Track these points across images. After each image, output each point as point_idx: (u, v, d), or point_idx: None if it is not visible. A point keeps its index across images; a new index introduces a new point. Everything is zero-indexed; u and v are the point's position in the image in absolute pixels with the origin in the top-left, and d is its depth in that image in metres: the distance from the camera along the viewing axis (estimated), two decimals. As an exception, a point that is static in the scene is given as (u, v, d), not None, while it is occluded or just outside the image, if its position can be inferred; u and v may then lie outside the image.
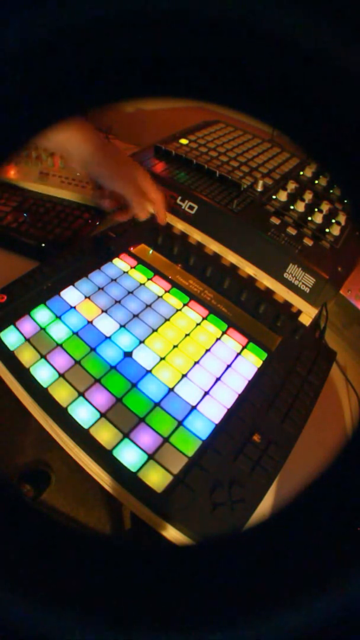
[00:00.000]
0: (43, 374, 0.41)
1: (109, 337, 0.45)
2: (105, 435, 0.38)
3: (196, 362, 0.45)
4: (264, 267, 0.54)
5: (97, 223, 0.65)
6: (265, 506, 0.37)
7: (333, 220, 0.59)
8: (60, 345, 0.43)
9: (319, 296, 0.51)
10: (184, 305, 0.51)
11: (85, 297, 0.49)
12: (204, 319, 0.50)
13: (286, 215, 0.58)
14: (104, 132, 0.89)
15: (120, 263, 0.55)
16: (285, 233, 0.54)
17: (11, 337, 0.43)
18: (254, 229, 0.55)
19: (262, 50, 0.13)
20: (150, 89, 0.15)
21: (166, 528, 0.34)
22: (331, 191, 0.66)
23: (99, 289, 0.51)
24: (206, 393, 0.43)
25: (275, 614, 0.12)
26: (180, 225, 0.58)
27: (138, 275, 0.53)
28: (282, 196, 0.60)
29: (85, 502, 0.79)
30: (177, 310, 0.50)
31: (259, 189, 0.61)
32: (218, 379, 0.44)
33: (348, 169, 0.14)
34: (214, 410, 0.41)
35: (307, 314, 0.52)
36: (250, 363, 0.47)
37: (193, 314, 0.50)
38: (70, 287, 0.50)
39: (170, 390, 0.42)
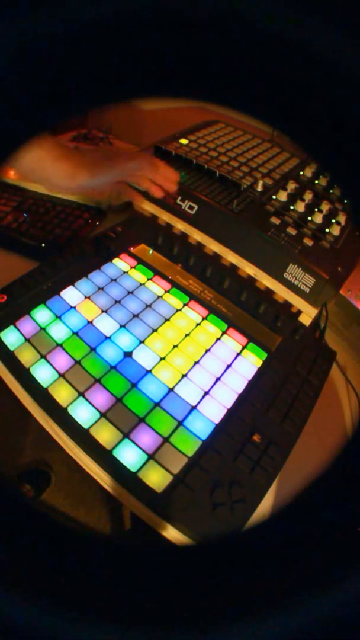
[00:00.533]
0: (43, 374, 0.41)
1: (109, 337, 0.45)
2: (105, 435, 0.38)
3: (196, 362, 0.45)
4: (264, 267, 0.54)
5: (97, 223, 0.65)
6: (265, 506, 0.37)
7: (333, 220, 0.59)
8: (60, 345, 0.43)
9: (319, 296, 0.51)
10: (184, 305, 0.51)
11: (85, 297, 0.49)
12: (204, 319, 0.50)
13: (286, 215, 0.58)
14: (104, 132, 0.89)
15: (120, 263, 0.55)
16: (285, 233, 0.54)
17: (11, 337, 0.43)
18: (254, 229, 0.55)
19: (262, 50, 0.13)
20: (150, 89, 0.15)
21: (166, 528, 0.34)
22: (331, 191, 0.66)
23: (99, 289, 0.51)
24: (206, 393, 0.43)
25: (275, 614, 0.12)
26: (180, 225, 0.58)
27: (138, 275, 0.53)
28: (282, 196, 0.60)
29: (85, 502, 0.79)
30: (177, 310, 0.50)
31: (259, 189, 0.61)
32: (218, 379, 0.44)
33: (348, 169, 0.14)
34: (214, 410, 0.41)
35: (307, 314, 0.52)
36: (250, 363, 0.46)
37: (193, 314, 0.50)
38: (70, 287, 0.50)
39: (170, 390, 0.42)
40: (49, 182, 0.46)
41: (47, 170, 0.45)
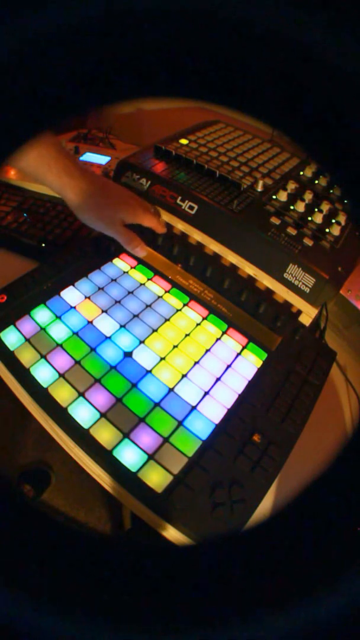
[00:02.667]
0: (43, 374, 0.41)
1: (109, 337, 0.45)
2: (105, 435, 0.38)
3: (196, 362, 0.45)
4: (264, 267, 0.54)
5: (97, 223, 0.65)
6: (265, 506, 0.37)
7: (333, 220, 0.59)
8: (60, 345, 0.43)
9: (319, 296, 0.51)
10: (184, 305, 0.51)
11: (85, 297, 0.49)
12: (204, 319, 0.50)
13: (286, 215, 0.58)
14: (104, 132, 0.89)
15: (120, 263, 0.55)
16: (285, 233, 0.54)
17: (11, 337, 0.44)
18: (254, 229, 0.55)
19: (263, 49, 0.13)
20: (150, 89, 0.15)
21: (166, 528, 0.34)
22: (331, 191, 0.66)
23: (99, 289, 0.51)
24: (206, 393, 0.43)
25: (275, 614, 0.12)
26: (180, 225, 0.58)
27: (138, 275, 0.53)
28: (282, 196, 0.60)
29: (85, 502, 0.79)
30: (177, 311, 0.50)
31: (259, 189, 0.61)
32: (218, 379, 0.44)
33: (348, 169, 0.14)
34: (214, 410, 0.41)
35: (307, 314, 0.52)
36: (250, 363, 0.47)
37: (193, 314, 0.50)
38: (70, 287, 0.50)
39: (170, 390, 0.42)
40: (43, 178, 0.48)
41: (48, 184, 0.48)
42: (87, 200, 0.48)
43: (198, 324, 0.49)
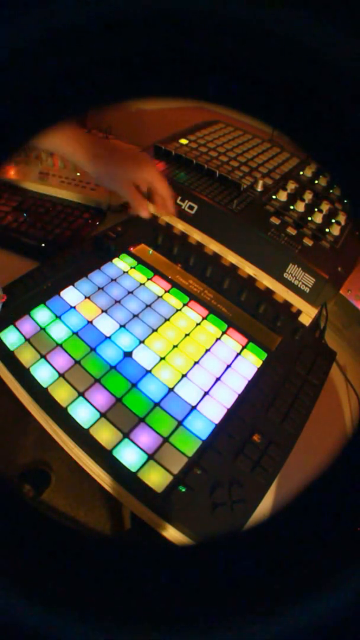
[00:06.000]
0: (43, 374, 0.41)
1: (109, 337, 0.45)
2: (105, 435, 0.38)
3: (196, 362, 0.45)
4: (264, 267, 0.54)
5: (97, 223, 0.65)
6: (265, 506, 0.37)
7: (333, 220, 0.59)
8: (60, 345, 0.43)
9: (319, 296, 0.51)
10: (184, 305, 0.51)
11: (85, 297, 0.49)
12: (203, 319, 0.50)
13: (286, 215, 0.58)
14: (104, 132, 0.89)
15: (120, 263, 0.55)
16: (285, 233, 0.54)
17: (11, 337, 0.43)
18: (254, 229, 0.55)
19: (263, 50, 0.13)
20: (151, 89, 0.15)
21: (166, 528, 0.34)
22: (331, 191, 0.66)
23: (99, 289, 0.51)
24: (206, 393, 0.43)
25: (275, 614, 0.12)
26: (180, 225, 0.58)
27: (138, 275, 0.53)
28: (282, 196, 0.60)
29: (85, 502, 0.79)
30: (177, 310, 0.50)
31: (259, 189, 0.61)
32: (218, 379, 0.44)
33: (348, 168, 0.14)
34: (214, 410, 0.41)
35: (307, 314, 0.52)
36: (250, 363, 0.46)
37: (193, 314, 0.50)
38: (70, 287, 0.50)
39: (170, 390, 0.42)
40: (63, 155, 0.54)
41: (63, 148, 0.52)
42: (97, 158, 0.51)
43: (198, 324, 0.49)
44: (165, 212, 0.55)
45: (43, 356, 0.42)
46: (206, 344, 0.47)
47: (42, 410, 0.39)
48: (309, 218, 0.58)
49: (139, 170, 0.52)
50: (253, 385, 0.44)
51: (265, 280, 0.54)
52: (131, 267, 0.54)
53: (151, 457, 0.37)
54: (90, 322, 0.46)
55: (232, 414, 0.41)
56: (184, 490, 0.35)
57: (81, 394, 0.40)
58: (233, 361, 0.46)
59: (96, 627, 0.13)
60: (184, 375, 0.43)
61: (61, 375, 0.41)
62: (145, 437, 0.38)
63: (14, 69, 0.12)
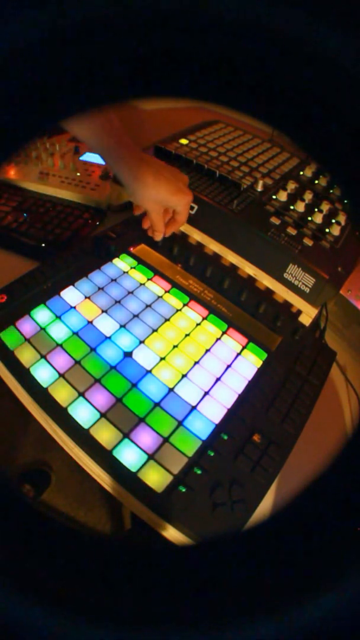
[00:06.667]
0: (43, 374, 0.41)
1: (109, 337, 0.45)
2: (105, 435, 0.38)
3: (196, 362, 0.45)
4: (264, 267, 0.54)
5: (97, 223, 0.65)
6: (265, 506, 0.37)
7: (333, 220, 0.59)
8: (60, 345, 0.43)
9: (319, 296, 0.51)
10: (184, 305, 0.51)
11: (85, 297, 0.49)
12: (204, 319, 0.50)
13: (286, 215, 0.58)
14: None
15: (120, 263, 0.55)
16: (285, 233, 0.54)
17: (11, 337, 0.43)
18: (254, 229, 0.55)
19: (263, 50, 0.13)
20: (151, 89, 0.15)
21: (166, 528, 0.34)
22: (331, 191, 0.66)
23: (99, 289, 0.51)
24: (206, 393, 0.43)
25: (275, 614, 0.12)
26: (180, 225, 0.58)
27: (138, 275, 0.53)
28: (282, 196, 0.60)
29: (85, 502, 0.79)
30: (177, 310, 0.50)
31: (259, 189, 0.61)
32: (218, 379, 0.44)
33: (348, 169, 0.14)
34: (214, 410, 0.41)
35: (307, 314, 0.52)
36: (250, 363, 0.47)
37: (193, 314, 0.50)
38: (70, 287, 0.50)
39: (170, 390, 0.42)
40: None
41: (113, 164, 0.48)
42: (149, 178, 0.48)
43: (198, 324, 0.49)
44: (159, 236, 0.55)
45: (43, 356, 0.42)
46: (206, 344, 0.47)
47: (42, 410, 0.39)
48: (309, 218, 0.58)
49: (178, 201, 0.50)
50: (253, 385, 0.44)
51: (265, 280, 0.54)
52: (131, 267, 0.54)
53: (151, 457, 0.37)
54: (90, 322, 0.46)
55: (232, 414, 0.41)
56: (184, 490, 0.35)
57: (81, 394, 0.40)
58: (233, 361, 0.46)
59: (96, 628, 0.13)
60: (184, 376, 0.43)
61: (61, 375, 0.41)
62: (146, 437, 0.38)
63: (11, 69, 0.12)
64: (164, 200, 0.49)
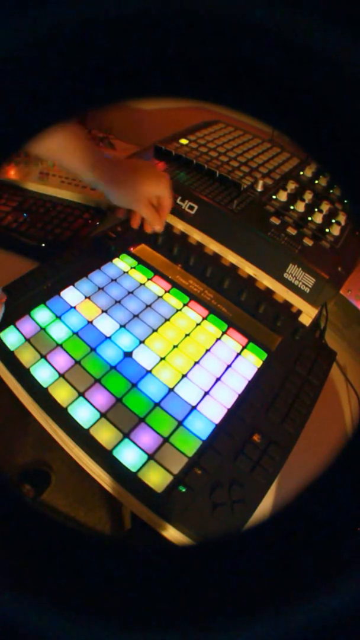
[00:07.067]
0: (43, 374, 0.41)
1: (109, 337, 0.45)
2: (105, 435, 0.38)
3: (196, 362, 0.45)
4: (264, 267, 0.54)
5: (97, 223, 0.65)
6: (265, 506, 0.37)
7: (333, 220, 0.59)
8: (60, 345, 0.43)
9: (319, 296, 0.51)
10: (184, 305, 0.51)
11: (85, 297, 0.49)
12: (204, 319, 0.50)
13: (286, 215, 0.58)
14: (104, 132, 0.89)
15: (120, 263, 0.55)
16: (285, 233, 0.54)
17: (11, 337, 0.43)
18: (254, 229, 0.55)
19: (263, 50, 0.13)
20: (150, 89, 0.15)
21: (166, 528, 0.34)
22: (331, 191, 0.66)
23: (99, 289, 0.51)
24: (206, 393, 0.43)
25: (275, 614, 0.12)
26: (180, 225, 0.58)
27: (138, 275, 0.53)
28: (282, 196, 0.60)
29: (85, 502, 0.78)
30: (177, 311, 0.50)
31: (259, 189, 0.61)
32: (218, 379, 0.44)
33: (348, 169, 0.14)
34: (214, 410, 0.41)
35: (307, 314, 0.52)
36: (250, 363, 0.46)
37: (193, 314, 0.50)
38: (70, 287, 0.50)
39: (170, 390, 0.42)
40: (61, 163, 0.49)
41: (72, 170, 0.49)
42: (114, 184, 0.49)
43: (198, 324, 0.49)
44: (159, 225, 0.54)
45: (43, 356, 0.42)
46: (206, 344, 0.47)
47: (42, 410, 0.39)
48: (309, 218, 0.58)
49: (157, 187, 0.50)
50: (253, 385, 0.44)
51: (265, 280, 0.54)
52: (131, 267, 0.54)
53: (151, 457, 0.37)
54: (90, 322, 0.46)
55: (232, 414, 0.41)
56: (184, 490, 0.35)
57: (81, 394, 0.40)
58: (233, 361, 0.46)
59: (96, 628, 0.13)
60: (184, 376, 0.43)
61: (61, 375, 0.41)
62: (146, 437, 0.38)
63: (10, 69, 0.12)
64: (147, 192, 0.50)
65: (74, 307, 0.48)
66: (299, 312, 0.53)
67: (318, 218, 0.58)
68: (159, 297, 0.51)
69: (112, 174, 0.49)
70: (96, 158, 0.48)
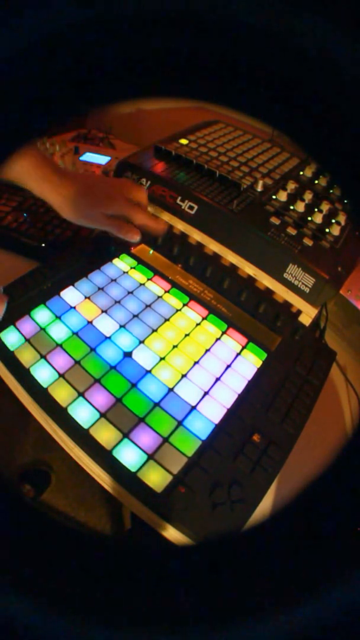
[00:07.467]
0: (43, 374, 0.41)
1: (109, 337, 0.45)
2: (105, 435, 0.38)
3: (196, 362, 0.45)
4: (264, 267, 0.54)
5: (97, 223, 0.65)
6: (265, 506, 0.37)
7: (333, 220, 0.59)
8: (60, 346, 0.43)
9: (319, 296, 0.51)
10: (184, 305, 0.51)
11: (85, 297, 0.49)
12: (203, 319, 0.50)
13: (286, 215, 0.58)
14: (104, 132, 0.90)
15: (120, 263, 0.55)
16: (285, 233, 0.54)
17: (11, 337, 0.44)
18: (254, 229, 0.55)
19: (263, 50, 0.13)
20: (150, 89, 0.15)
21: (166, 528, 0.34)
22: (331, 191, 0.66)
23: (99, 289, 0.51)
24: (206, 393, 0.43)
25: (275, 614, 0.12)
26: (180, 225, 0.58)
27: (138, 276, 0.53)
28: (282, 196, 0.60)
29: (85, 502, 0.78)
30: (177, 311, 0.50)
31: (259, 189, 0.61)
32: (218, 379, 0.44)
33: (348, 169, 0.14)
34: (214, 410, 0.41)
35: (307, 314, 0.52)
36: (250, 363, 0.46)
37: (193, 314, 0.50)
38: (70, 287, 0.50)
39: (170, 390, 0.42)
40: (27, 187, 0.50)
41: (33, 190, 0.49)
42: (65, 203, 0.50)
43: (198, 324, 0.49)
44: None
45: (43, 356, 0.42)
46: (206, 344, 0.47)
47: (42, 410, 0.39)
48: (309, 218, 0.58)
49: (110, 207, 0.50)
50: (253, 385, 0.44)
51: (265, 280, 0.54)
52: (131, 268, 0.54)
53: (151, 457, 0.37)
54: (90, 323, 0.46)
55: (232, 414, 0.41)
56: (183, 490, 0.35)
57: (81, 394, 0.40)
58: (233, 361, 0.46)
59: (96, 628, 0.13)
60: (183, 375, 0.43)
61: (61, 375, 0.41)
62: (145, 437, 0.38)
63: (13, 66, 0.12)
64: (99, 216, 0.50)
65: (74, 307, 0.48)
66: (299, 312, 0.53)
67: (318, 218, 0.58)
68: (159, 297, 0.51)
69: (65, 195, 0.49)
70: (49, 179, 0.49)
